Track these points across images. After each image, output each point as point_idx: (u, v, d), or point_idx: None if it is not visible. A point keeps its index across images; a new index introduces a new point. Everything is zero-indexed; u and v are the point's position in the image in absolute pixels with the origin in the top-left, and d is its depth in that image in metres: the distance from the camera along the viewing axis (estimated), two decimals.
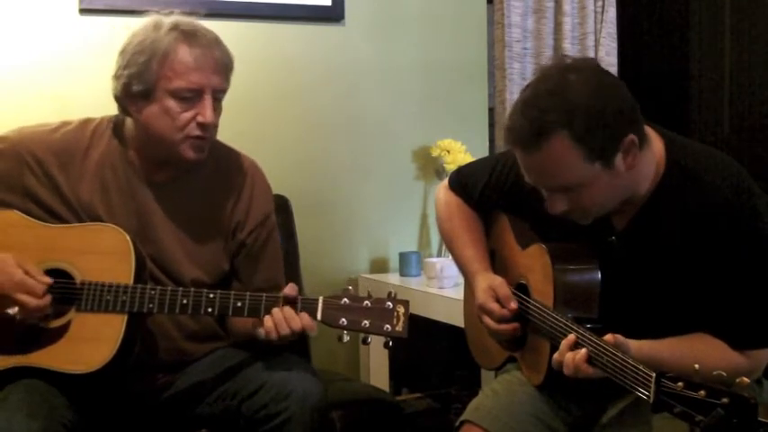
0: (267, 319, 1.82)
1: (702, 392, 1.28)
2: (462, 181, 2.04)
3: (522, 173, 1.64)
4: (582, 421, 1.78)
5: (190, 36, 1.88)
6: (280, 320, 1.80)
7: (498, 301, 1.82)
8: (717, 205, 1.59)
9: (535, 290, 1.79)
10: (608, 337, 1.52)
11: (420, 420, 3.07)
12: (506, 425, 1.74)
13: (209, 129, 1.92)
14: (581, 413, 1.79)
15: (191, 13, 1.96)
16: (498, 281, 1.85)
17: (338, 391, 2.22)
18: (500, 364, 1.96)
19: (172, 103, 1.88)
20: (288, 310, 1.81)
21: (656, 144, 1.66)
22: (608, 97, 1.55)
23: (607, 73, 1.64)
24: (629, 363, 1.44)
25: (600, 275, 1.69)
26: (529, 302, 1.78)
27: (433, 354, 3.28)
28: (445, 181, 2.10)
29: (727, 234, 1.58)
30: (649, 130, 1.64)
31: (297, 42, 3.02)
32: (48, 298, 1.81)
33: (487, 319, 1.83)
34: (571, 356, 1.56)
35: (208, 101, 1.89)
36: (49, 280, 1.82)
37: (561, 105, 1.53)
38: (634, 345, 1.55)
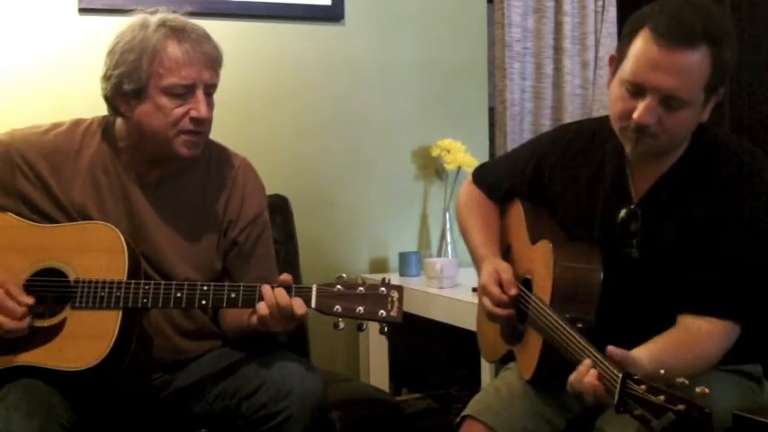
0: (261, 305, 1.81)
1: (662, 397, 1.28)
2: (486, 178, 2.09)
3: (638, 69, 1.59)
4: (583, 418, 1.78)
5: (178, 32, 1.88)
6: (270, 298, 1.80)
7: (501, 285, 1.83)
8: (737, 177, 1.64)
9: (537, 286, 1.79)
10: (617, 352, 1.46)
11: (420, 420, 3.06)
12: (507, 420, 1.75)
13: (204, 124, 1.92)
14: (581, 410, 1.78)
15: (176, 11, 1.95)
16: (504, 266, 1.87)
17: (338, 391, 2.22)
18: (500, 357, 1.97)
19: (164, 100, 1.88)
20: (279, 289, 1.81)
21: None
22: (734, 40, 1.63)
23: None
24: (601, 361, 1.44)
25: (602, 277, 1.69)
26: (530, 297, 1.78)
27: (433, 354, 3.28)
28: (469, 176, 2.15)
29: (741, 210, 1.62)
30: None
31: (297, 42, 3.02)
32: (26, 321, 1.81)
33: (486, 301, 1.84)
34: (589, 381, 1.47)
35: (200, 95, 1.89)
36: (29, 301, 1.82)
37: (722, 27, 1.60)
38: (644, 356, 1.49)
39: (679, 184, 1.69)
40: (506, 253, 2.00)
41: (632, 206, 1.72)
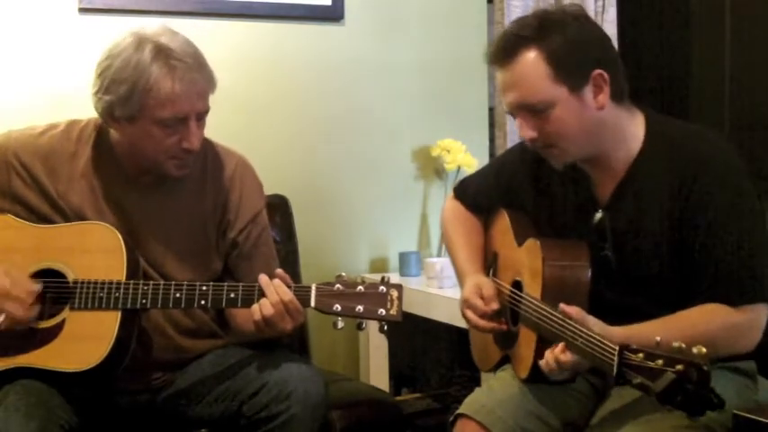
0: (265, 306, 1.80)
1: (660, 361, 1.31)
2: (466, 191, 2.10)
3: (501, 99, 1.74)
4: (580, 419, 1.79)
5: (174, 67, 1.82)
6: (272, 294, 1.80)
7: (483, 298, 1.85)
8: (697, 162, 1.64)
9: (527, 285, 1.80)
10: (572, 309, 1.56)
11: (420, 420, 3.06)
12: (501, 419, 1.75)
13: (194, 151, 1.91)
14: (577, 409, 1.79)
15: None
16: (485, 281, 1.90)
17: (338, 391, 2.22)
18: (495, 365, 1.98)
19: (156, 130, 1.86)
20: (279, 285, 1.81)
21: (639, 118, 1.72)
22: (585, 28, 1.67)
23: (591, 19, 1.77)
24: (595, 338, 1.45)
25: (590, 273, 1.70)
26: (521, 298, 1.78)
27: (433, 354, 3.28)
28: (452, 192, 2.16)
29: (709, 191, 1.62)
30: (633, 107, 1.72)
31: (296, 42, 3.01)
32: (35, 308, 1.81)
33: (470, 314, 1.86)
34: (550, 353, 1.58)
35: (193, 127, 1.87)
36: (36, 288, 1.82)
37: (538, 24, 1.66)
38: (618, 330, 1.56)
39: (642, 184, 1.69)
40: (493, 261, 2.01)
41: (600, 210, 1.74)
